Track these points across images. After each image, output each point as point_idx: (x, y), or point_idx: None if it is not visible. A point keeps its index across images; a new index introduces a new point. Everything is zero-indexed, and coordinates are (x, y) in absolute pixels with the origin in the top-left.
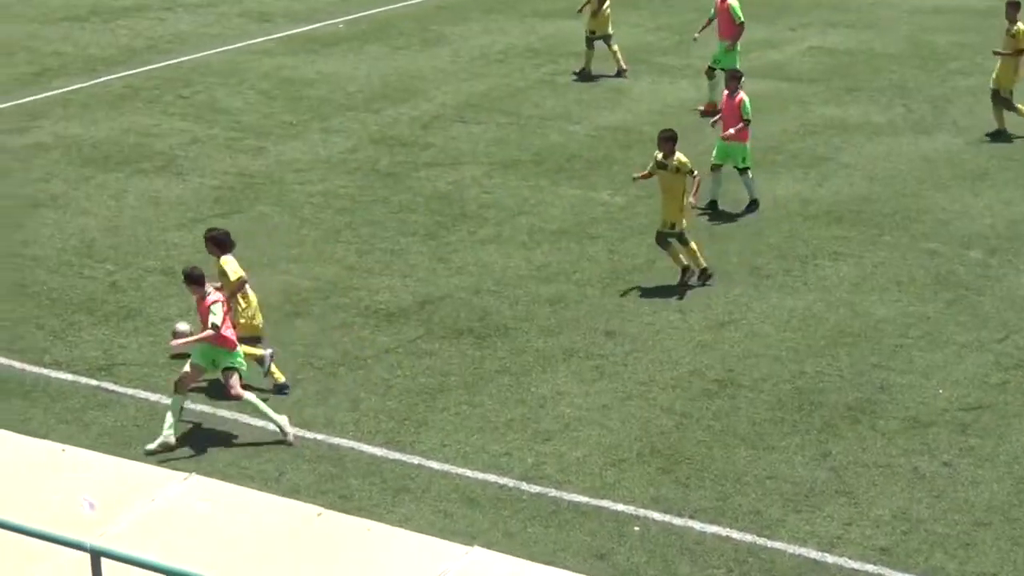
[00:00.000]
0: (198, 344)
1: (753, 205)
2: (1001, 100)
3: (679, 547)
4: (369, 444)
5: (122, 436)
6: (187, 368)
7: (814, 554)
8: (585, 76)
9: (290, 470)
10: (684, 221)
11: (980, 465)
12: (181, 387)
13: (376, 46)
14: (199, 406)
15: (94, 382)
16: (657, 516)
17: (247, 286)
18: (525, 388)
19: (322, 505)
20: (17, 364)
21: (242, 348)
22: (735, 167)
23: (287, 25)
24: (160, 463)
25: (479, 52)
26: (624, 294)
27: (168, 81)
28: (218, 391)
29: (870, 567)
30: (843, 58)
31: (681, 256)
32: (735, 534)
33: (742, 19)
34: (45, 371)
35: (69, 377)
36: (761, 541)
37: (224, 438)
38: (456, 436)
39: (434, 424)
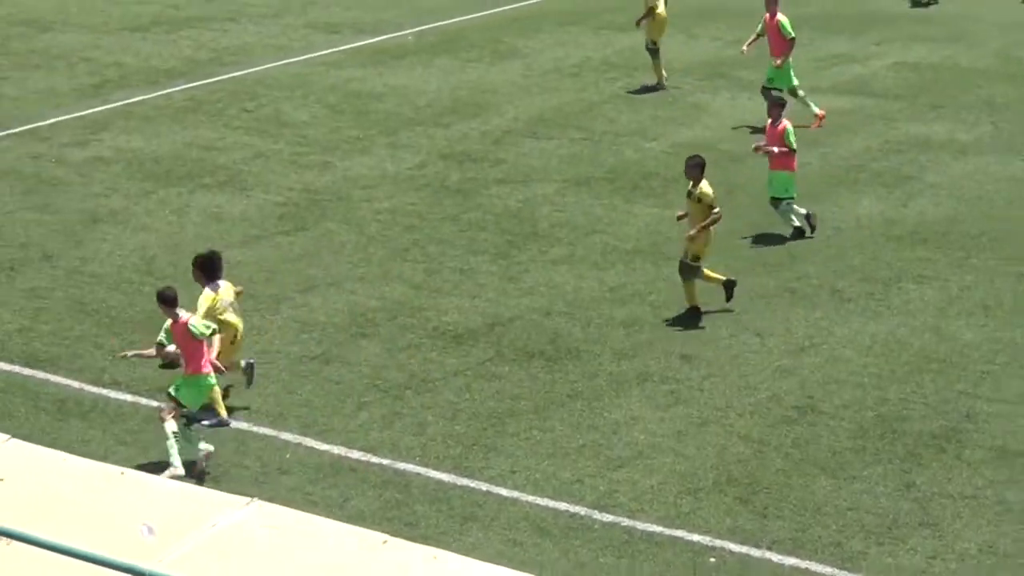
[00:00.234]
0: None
1: (797, 233)
2: None
3: None
4: (436, 470)
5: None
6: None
7: None
8: (658, 88)
9: (355, 496)
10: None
11: None
12: (167, 416)
13: (445, 59)
14: (262, 429)
15: (154, 403)
16: (734, 547)
17: (230, 314)
18: (597, 413)
19: (387, 532)
20: (76, 384)
21: (216, 394)
22: (772, 196)
23: (354, 37)
24: (221, 488)
25: (552, 65)
26: (701, 317)
27: (232, 94)
28: (279, 415)
29: None
30: (928, 73)
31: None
32: (814, 566)
33: (792, 34)
34: (104, 391)
35: (129, 398)
36: (842, 574)
37: (288, 462)
38: (526, 462)
39: (503, 450)
